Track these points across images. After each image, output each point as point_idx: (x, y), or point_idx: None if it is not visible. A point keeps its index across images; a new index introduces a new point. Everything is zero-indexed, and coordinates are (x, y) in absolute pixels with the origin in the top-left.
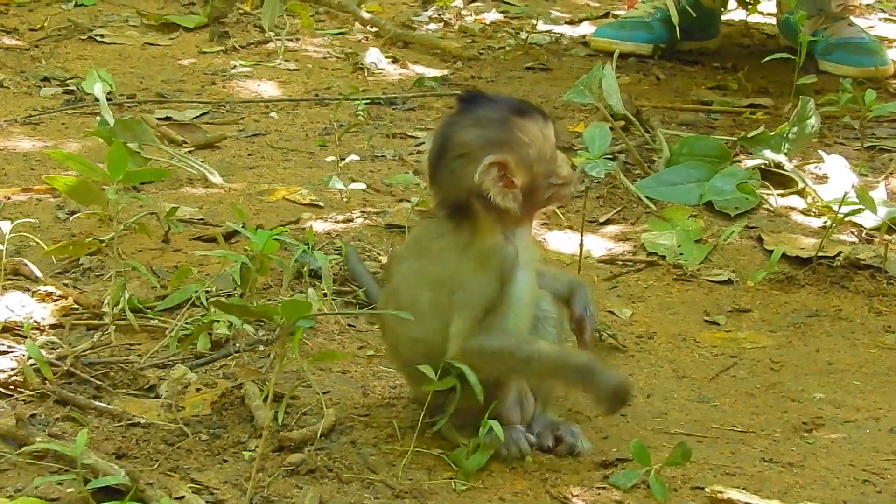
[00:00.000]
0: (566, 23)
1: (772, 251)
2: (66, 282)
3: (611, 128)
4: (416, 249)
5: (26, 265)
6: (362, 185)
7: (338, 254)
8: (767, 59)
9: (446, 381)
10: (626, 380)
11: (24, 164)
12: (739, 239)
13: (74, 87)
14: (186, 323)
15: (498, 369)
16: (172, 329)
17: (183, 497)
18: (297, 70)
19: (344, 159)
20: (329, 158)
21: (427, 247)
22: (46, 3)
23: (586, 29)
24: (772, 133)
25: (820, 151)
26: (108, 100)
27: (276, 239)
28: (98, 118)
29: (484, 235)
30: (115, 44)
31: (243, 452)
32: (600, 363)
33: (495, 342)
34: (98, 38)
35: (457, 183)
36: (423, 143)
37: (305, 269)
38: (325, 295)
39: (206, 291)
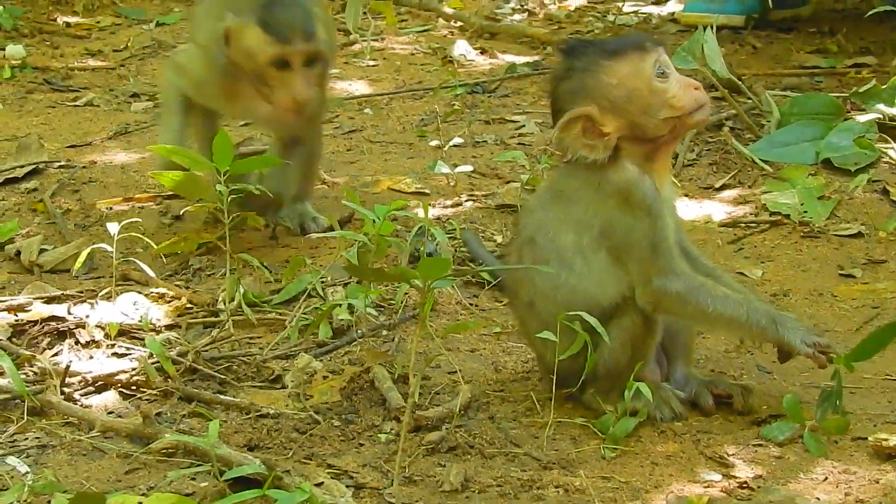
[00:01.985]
0: (652, 3)
1: None
2: (178, 283)
3: (718, 96)
4: (549, 196)
5: (138, 269)
6: (468, 168)
7: (451, 237)
8: (870, 13)
9: (577, 341)
10: (815, 336)
11: (123, 175)
12: (863, 192)
13: None
14: (304, 313)
15: (685, 313)
16: (292, 319)
17: (322, 483)
18: (386, 67)
19: (447, 145)
20: (433, 143)
21: (561, 190)
22: (128, 26)
23: (674, 7)
24: (883, 87)
25: None
26: None
27: (391, 218)
28: None
29: (616, 171)
30: None
31: (378, 435)
32: (786, 317)
33: (679, 284)
34: None
35: None
36: (524, 126)
37: (423, 249)
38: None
39: (322, 280)
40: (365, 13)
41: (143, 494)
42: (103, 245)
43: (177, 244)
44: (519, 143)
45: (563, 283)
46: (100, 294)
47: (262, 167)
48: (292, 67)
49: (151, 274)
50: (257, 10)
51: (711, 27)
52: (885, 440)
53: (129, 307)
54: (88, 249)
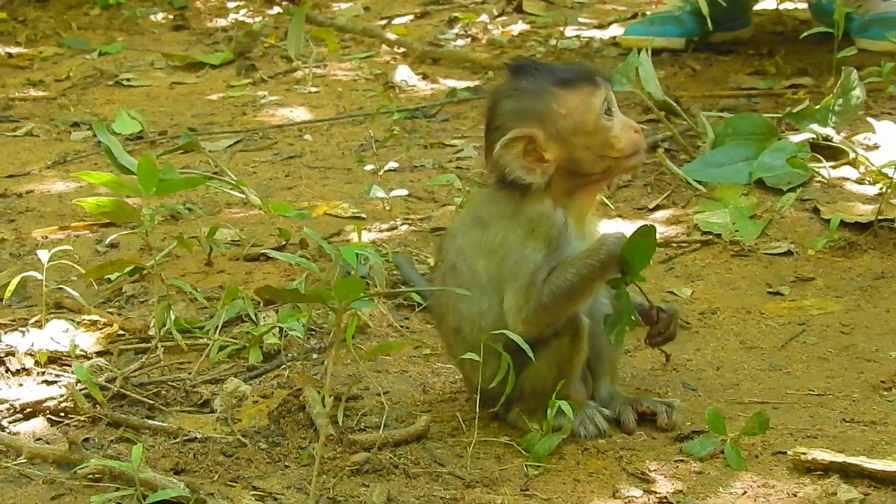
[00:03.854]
0: (594, 27)
1: (829, 220)
2: (111, 310)
3: (653, 118)
4: (469, 221)
5: (69, 296)
6: (404, 192)
7: (386, 261)
8: (805, 34)
9: (502, 365)
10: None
11: (60, 204)
12: (795, 211)
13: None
14: (232, 337)
15: (565, 314)
16: (213, 341)
17: None
18: (328, 94)
19: (381, 170)
20: (368, 167)
21: (479, 215)
22: (71, 56)
23: (616, 31)
24: (817, 107)
25: (870, 119)
26: (139, 138)
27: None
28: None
29: (532, 202)
30: (143, 86)
31: (304, 457)
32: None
33: (545, 296)
34: (125, 83)
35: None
36: (462, 150)
37: (354, 272)
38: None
39: (253, 301)
40: (307, 40)
41: None
42: (33, 273)
43: (105, 269)
44: (457, 167)
45: (487, 311)
46: (30, 322)
47: (189, 187)
48: None
49: (82, 301)
50: None
51: (647, 50)
52: (804, 454)
53: (59, 334)
54: (19, 278)
